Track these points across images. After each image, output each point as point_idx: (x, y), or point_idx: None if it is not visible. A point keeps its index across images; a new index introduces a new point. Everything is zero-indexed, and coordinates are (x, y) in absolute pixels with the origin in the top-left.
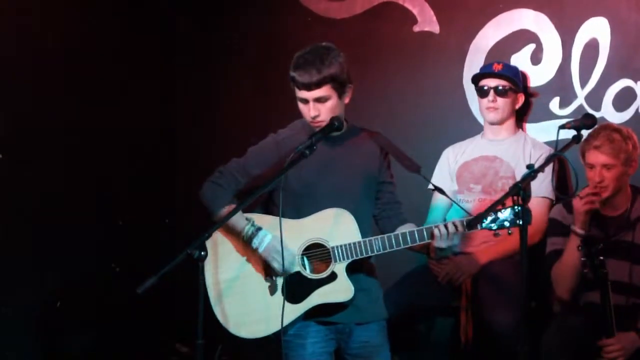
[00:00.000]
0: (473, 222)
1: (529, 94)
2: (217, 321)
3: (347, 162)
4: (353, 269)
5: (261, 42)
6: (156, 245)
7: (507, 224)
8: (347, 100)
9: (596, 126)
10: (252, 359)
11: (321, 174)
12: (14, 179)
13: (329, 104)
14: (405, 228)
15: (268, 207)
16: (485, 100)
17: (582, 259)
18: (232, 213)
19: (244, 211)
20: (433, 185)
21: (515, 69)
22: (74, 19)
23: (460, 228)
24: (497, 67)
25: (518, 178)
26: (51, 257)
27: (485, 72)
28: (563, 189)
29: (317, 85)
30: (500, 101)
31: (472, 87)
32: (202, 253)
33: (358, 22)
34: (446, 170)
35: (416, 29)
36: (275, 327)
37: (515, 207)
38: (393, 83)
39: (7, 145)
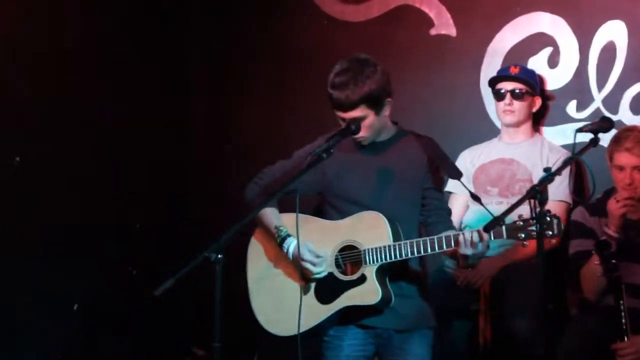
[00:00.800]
0: (489, 226)
1: (546, 97)
2: (253, 316)
3: (391, 167)
4: (396, 275)
5: (277, 44)
6: (173, 248)
7: (534, 234)
8: (387, 113)
9: (621, 128)
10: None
11: (365, 180)
12: (30, 181)
13: (366, 122)
14: (444, 234)
15: (321, 211)
16: (501, 104)
17: (596, 262)
18: (247, 217)
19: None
20: (470, 193)
21: (532, 72)
22: (88, 19)
23: (485, 236)
24: (514, 70)
25: (535, 181)
26: (68, 261)
27: (502, 75)
28: (580, 192)
29: (351, 107)
30: (517, 104)
31: (489, 90)
32: (219, 256)
33: (374, 25)
34: (463, 173)
35: (433, 32)
36: (305, 326)
37: (546, 216)
38: (410, 86)
39: (24, 146)
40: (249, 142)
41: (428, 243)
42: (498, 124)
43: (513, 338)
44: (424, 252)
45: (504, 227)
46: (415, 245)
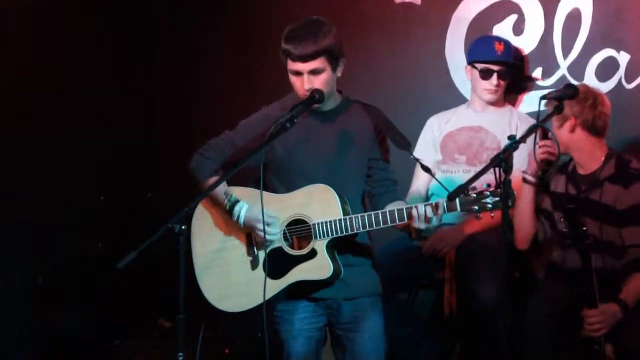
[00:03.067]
0: (453, 194)
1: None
2: (200, 293)
3: (337, 136)
4: (342, 246)
5: (243, 13)
6: (139, 220)
7: (489, 206)
8: (339, 74)
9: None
10: (236, 334)
11: (311, 149)
12: None
13: (323, 76)
14: (394, 206)
15: (264, 183)
16: (486, 83)
17: (565, 230)
18: (212, 187)
19: (234, 184)
20: (420, 163)
21: (513, 49)
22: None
23: (440, 210)
24: (499, 49)
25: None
26: (32, 234)
27: (489, 60)
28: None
29: (312, 57)
30: (502, 84)
31: (455, 58)
32: (183, 227)
33: None
34: (430, 140)
35: (398, 0)
36: (255, 301)
37: (499, 189)
38: (375, 55)
39: None
40: (216, 110)
41: (380, 216)
42: (463, 92)
43: (478, 307)
44: (375, 225)
45: (457, 201)
46: (367, 218)
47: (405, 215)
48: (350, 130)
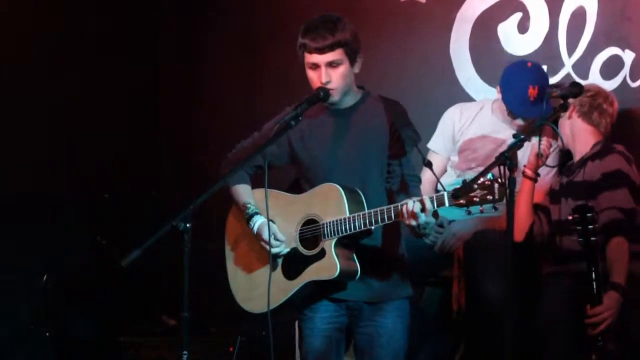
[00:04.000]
0: (459, 192)
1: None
2: (231, 295)
3: (356, 134)
4: (364, 247)
5: (246, 12)
6: (143, 217)
7: (476, 199)
8: (357, 70)
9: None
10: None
11: (331, 148)
12: None
13: (341, 69)
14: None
15: (299, 182)
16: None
17: (573, 227)
18: (214, 187)
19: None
20: (423, 159)
21: (546, 90)
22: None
23: (428, 206)
24: (532, 94)
25: (519, 165)
26: (37, 230)
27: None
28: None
29: (330, 48)
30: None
31: (459, 56)
32: (187, 225)
33: None
34: (449, 135)
35: None
36: (275, 302)
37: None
38: (380, 53)
39: None
40: (219, 109)
41: (372, 215)
42: (468, 90)
43: (487, 303)
44: (375, 223)
45: (445, 195)
46: (367, 216)
47: (393, 213)
48: (368, 127)
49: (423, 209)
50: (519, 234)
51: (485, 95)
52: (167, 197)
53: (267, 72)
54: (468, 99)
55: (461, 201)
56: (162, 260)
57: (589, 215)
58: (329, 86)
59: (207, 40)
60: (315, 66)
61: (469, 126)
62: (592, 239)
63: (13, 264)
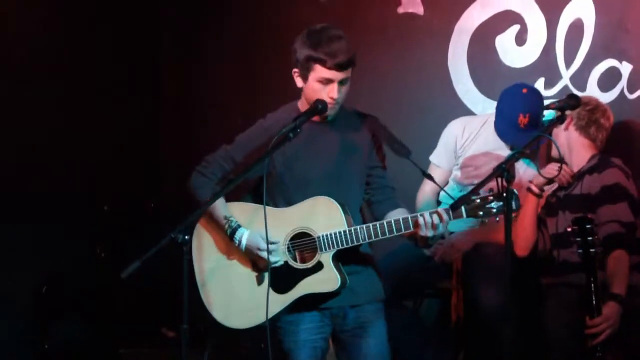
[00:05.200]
0: (456, 204)
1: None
2: (205, 310)
3: (336, 146)
4: (345, 255)
5: (245, 25)
6: (143, 229)
7: (494, 210)
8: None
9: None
10: (240, 343)
11: (309, 159)
12: None
13: (347, 86)
14: (396, 214)
15: (257, 196)
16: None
17: (572, 239)
18: (211, 201)
19: (230, 198)
20: (422, 172)
21: (539, 116)
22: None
23: (445, 217)
24: (522, 122)
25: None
26: (36, 243)
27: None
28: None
29: (347, 66)
30: None
31: (457, 68)
32: (186, 237)
33: (342, 3)
34: (451, 148)
35: (400, 10)
36: (262, 317)
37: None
38: (378, 65)
39: None
40: (219, 121)
41: (385, 226)
42: (466, 102)
43: (485, 314)
44: (382, 235)
45: (463, 207)
46: (372, 229)
47: (411, 224)
48: (348, 139)
49: (441, 220)
50: (523, 250)
51: (483, 106)
52: (166, 210)
53: (270, 77)
54: (466, 111)
55: (480, 212)
56: (162, 272)
57: (588, 227)
58: (335, 102)
59: (208, 49)
60: (328, 81)
61: (472, 142)
62: (592, 250)
63: (12, 275)
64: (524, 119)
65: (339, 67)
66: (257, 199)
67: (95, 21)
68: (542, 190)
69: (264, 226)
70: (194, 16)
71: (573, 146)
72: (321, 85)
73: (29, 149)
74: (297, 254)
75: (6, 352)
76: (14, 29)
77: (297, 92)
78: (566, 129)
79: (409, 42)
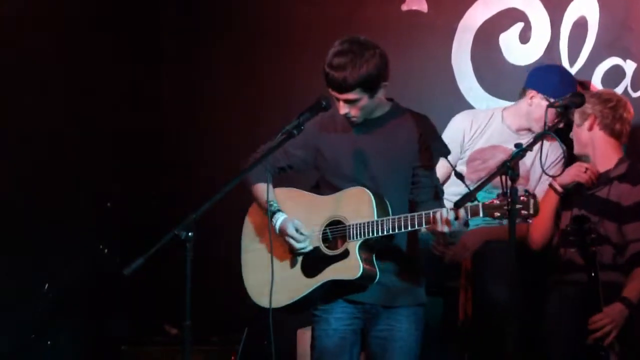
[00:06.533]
0: (460, 202)
1: None
2: (245, 290)
3: (382, 144)
4: (385, 252)
5: (245, 23)
6: (145, 226)
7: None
8: (381, 95)
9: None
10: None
11: (356, 156)
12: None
13: (359, 104)
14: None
15: (318, 185)
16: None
17: (571, 237)
18: (215, 198)
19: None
20: (455, 171)
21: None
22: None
23: (461, 214)
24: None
25: (532, 180)
26: (38, 240)
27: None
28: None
29: (347, 90)
30: None
31: (461, 66)
32: (190, 234)
33: (346, 1)
34: (458, 142)
35: (404, 8)
36: (292, 298)
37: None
38: None
39: None
40: (221, 114)
41: (406, 219)
42: (469, 99)
43: (495, 313)
44: (403, 228)
45: (480, 206)
46: (396, 221)
47: (425, 219)
48: (395, 138)
49: (457, 217)
50: (539, 244)
51: (487, 104)
52: (170, 206)
53: (267, 78)
54: (469, 108)
55: (496, 213)
56: (164, 269)
57: (586, 225)
58: (349, 116)
59: (208, 45)
60: (336, 98)
61: (479, 136)
62: (592, 249)
63: (14, 272)
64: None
65: (335, 89)
66: (315, 187)
67: (95, 21)
68: (564, 189)
69: (299, 211)
70: (194, 15)
71: (598, 145)
72: (336, 99)
73: (31, 147)
74: (335, 240)
75: (9, 350)
76: (14, 29)
77: (299, 93)
78: (591, 129)
79: (413, 39)
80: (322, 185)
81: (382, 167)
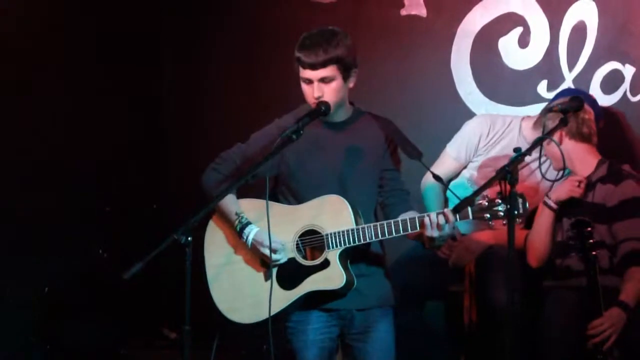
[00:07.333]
0: (460, 206)
1: None
2: (213, 304)
3: (348, 148)
4: (355, 256)
5: (247, 28)
6: (144, 230)
7: (501, 213)
8: (351, 84)
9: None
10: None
11: (322, 160)
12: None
13: (334, 84)
14: (406, 216)
15: (275, 195)
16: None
17: (571, 242)
18: (217, 199)
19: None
20: (432, 173)
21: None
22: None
23: (451, 218)
24: None
25: (542, 192)
26: (38, 243)
27: None
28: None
29: (323, 64)
30: None
31: (460, 70)
32: (189, 238)
33: (345, 6)
34: (473, 146)
35: (403, 12)
36: (266, 313)
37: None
38: (380, 67)
39: None
40: (222, 121)
41: (392, 226)
42: (469, 104)
43: (498, 317)
44: (388, 235)
45: (469, 208)
46: (379, 228)
47: (417, 223)
48: (361, 142)
49: (447, 221)
50: (536, 261)
51: (485, 108)
52: (169, 211)
53: (274, 82)
54: (469, 113)
55: (486, 215)
56: (163, 273)
57: (586, 230)
58: (321, 100)
59: (211, 54)
60: (309, 81)
61: (495, 144)
62: (592, 254)
63: (13, 275)
64: None
65: (311, 66)
66: (270, 197)
67: (95, 24)
68: (559, 205)
69: (271, 223)
70: (194, 15)
71: (573, 155)
72: (306, 86)
73: (30, 150)
74: (307, 251)
75: (8, 353)
76: (14, 29)
77: (299, 93)
78: (561, 142)
79: (412, 44)
80: (283, 193)
81: (348, 170)
